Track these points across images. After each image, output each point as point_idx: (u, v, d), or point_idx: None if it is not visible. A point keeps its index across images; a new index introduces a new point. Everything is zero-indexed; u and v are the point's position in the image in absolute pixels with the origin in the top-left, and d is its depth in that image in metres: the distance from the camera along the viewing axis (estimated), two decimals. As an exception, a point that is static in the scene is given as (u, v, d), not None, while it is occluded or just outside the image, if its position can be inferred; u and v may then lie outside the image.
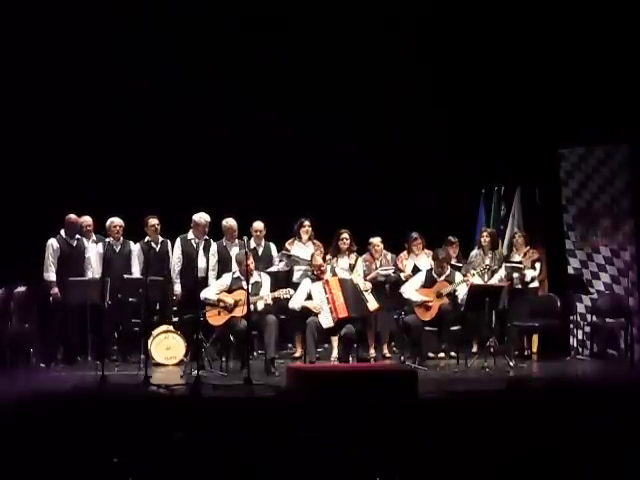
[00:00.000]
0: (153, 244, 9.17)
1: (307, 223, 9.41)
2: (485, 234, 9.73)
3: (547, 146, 10.01)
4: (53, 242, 8.93)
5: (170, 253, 9.30)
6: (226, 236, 9.29)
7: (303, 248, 9.35)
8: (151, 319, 8.95)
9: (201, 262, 8.90)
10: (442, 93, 10.72)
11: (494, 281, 9.27)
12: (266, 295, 8.30)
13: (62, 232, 8.99)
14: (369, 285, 8.70)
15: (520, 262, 9.39)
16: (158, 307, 9.16)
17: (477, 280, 8.99)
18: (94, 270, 9.01)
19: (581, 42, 9.90)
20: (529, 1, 10.30)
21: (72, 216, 9.03)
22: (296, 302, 8.42)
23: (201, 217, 9.25)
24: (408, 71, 10.70)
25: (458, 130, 10.70)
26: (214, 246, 9.24)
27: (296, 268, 9.29)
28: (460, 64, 10.70)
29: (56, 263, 8.88)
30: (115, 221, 9.25)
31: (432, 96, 10.66)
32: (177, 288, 9.20)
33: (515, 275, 9.43)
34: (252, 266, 8.34)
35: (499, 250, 9.89)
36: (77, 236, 9.07)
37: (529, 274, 9.42)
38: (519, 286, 9.45)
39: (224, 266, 9.05)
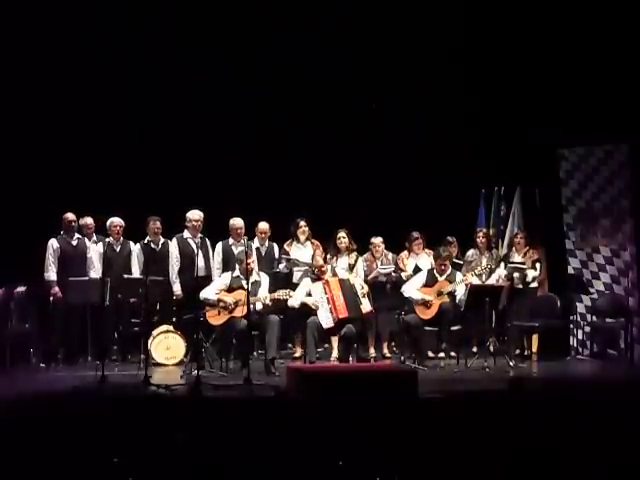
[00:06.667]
0: (153, 245, 9.16)
1: (303, 223, 9.37)
2: (481, 234, 9.76)
3: (547, 146, 10.00)
4: (53, 242, 8.93)
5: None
6: (232, 236, 9.28)
7: (302, 249, 9.34)
8: (151, 319, 8.96)
9: (200, 261, 8.87)
10: (441, 93, 10.70)
11: (492, 281, 9.28)
12: (263, 296, 8.29)
13: (62, 232, 9.00)
14: (365, 286, 8.70)
15: (522, 262, 9.40)
16: (158, 307, 9.17)
17: (475, 280, 9.00)
18: (97, 270, 9.00)
19: (581, 42, 9.89)
20: (529, 2, 10.29)
21: (68, 215, 9.02)
22: (295, 300, 8.42)
23: (192, 214, 9.24)
24: (407, 71, 10.69)
25: (458, 130, 10.69)
26: (219, 245, 9.24)
27: (296, 269, 9.29)
28: (460, 64, 10.69)
29: (56, 263, 8.89)
30: (115, 221, 9.25)
31: (432, 96, 10.64)
32: (177, 288, 9.19)
33: (516, 275, 9.43)
34: (253, 265, 8.34)
35: (496, 250, 9.92)
36: (78, 236, 9.07)
37: (530, 274, 9.42)
38: (520, 286, 9.44)
39: (227, 265, 9.05)
